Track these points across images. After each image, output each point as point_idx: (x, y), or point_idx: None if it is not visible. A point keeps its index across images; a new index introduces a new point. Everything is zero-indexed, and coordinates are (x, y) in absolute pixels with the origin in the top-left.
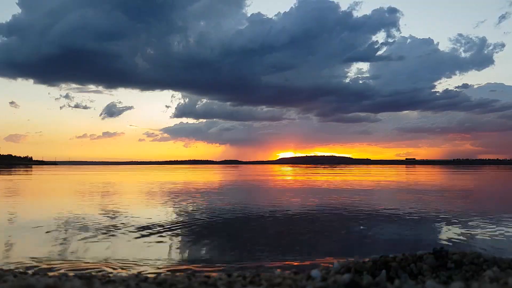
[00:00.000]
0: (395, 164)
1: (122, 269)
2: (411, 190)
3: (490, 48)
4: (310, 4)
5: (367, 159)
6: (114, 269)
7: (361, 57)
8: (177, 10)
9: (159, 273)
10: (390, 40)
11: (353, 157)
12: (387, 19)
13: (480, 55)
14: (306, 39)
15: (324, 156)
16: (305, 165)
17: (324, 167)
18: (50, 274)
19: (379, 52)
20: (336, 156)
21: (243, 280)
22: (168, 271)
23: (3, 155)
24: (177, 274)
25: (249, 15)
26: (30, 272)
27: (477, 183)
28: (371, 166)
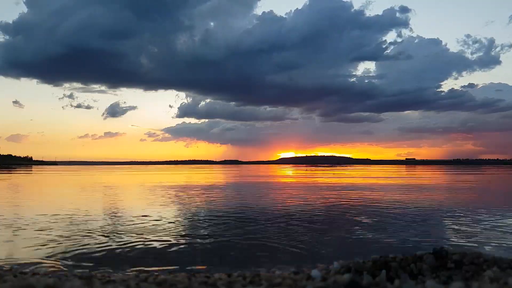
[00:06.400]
0: (395, 164)
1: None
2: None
3: (498, 49)
4: (323, 2)
5: (367, 159)
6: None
7: (369, 57)
8: (184, 9)
9: (159, 273)
10: (398, 39)
11: (353, 157)
12: (398, 19)
13: (487, 56)
14: (316, 38)
15: (324, 156)
16: (305, 165)
17: (323, 167)
18: (50, 274)
19: (387, 52)
20: (336, 156)
21: (243, 280)
22: (168, 271)
23: (2, 155)
24: (177, 274)
25: (260, 13)
26: (30, 272)
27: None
28: (371, 166)
